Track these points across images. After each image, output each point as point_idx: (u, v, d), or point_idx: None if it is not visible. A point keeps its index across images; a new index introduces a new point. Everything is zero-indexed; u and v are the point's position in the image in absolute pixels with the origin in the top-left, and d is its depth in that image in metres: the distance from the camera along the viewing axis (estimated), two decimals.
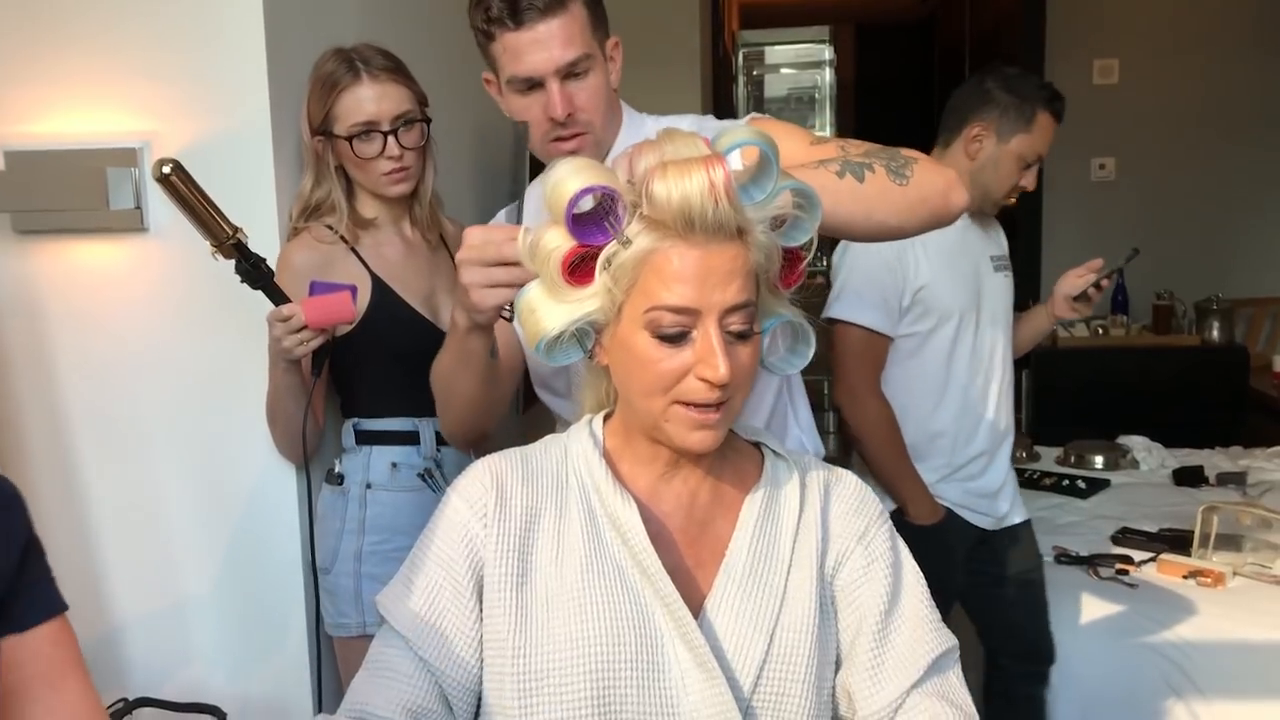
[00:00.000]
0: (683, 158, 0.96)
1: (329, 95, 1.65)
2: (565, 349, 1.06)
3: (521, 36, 1.37)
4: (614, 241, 0.99)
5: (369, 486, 1.71)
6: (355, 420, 1.75)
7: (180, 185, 1.43)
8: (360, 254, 1.73)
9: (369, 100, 1.65)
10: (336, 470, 1.74)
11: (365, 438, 1.74)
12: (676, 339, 0.98)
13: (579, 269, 1.02)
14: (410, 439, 1.74)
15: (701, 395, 0.98)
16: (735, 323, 0.98)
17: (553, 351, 1.06)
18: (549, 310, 1.04)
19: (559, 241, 1.01)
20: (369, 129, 1.65)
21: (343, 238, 1.71)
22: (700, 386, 0.98)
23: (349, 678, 1.73)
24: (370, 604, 1.67)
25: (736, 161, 1.02)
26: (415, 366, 1.64)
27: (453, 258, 1.78)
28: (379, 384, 1.73)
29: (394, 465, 1.72)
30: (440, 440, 1.73)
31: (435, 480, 1.73)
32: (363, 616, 1.72)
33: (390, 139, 1.66)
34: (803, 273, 1.11)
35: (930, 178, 1.28)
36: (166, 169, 1.42)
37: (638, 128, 1.53)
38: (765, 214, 1.01)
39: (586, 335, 1.06)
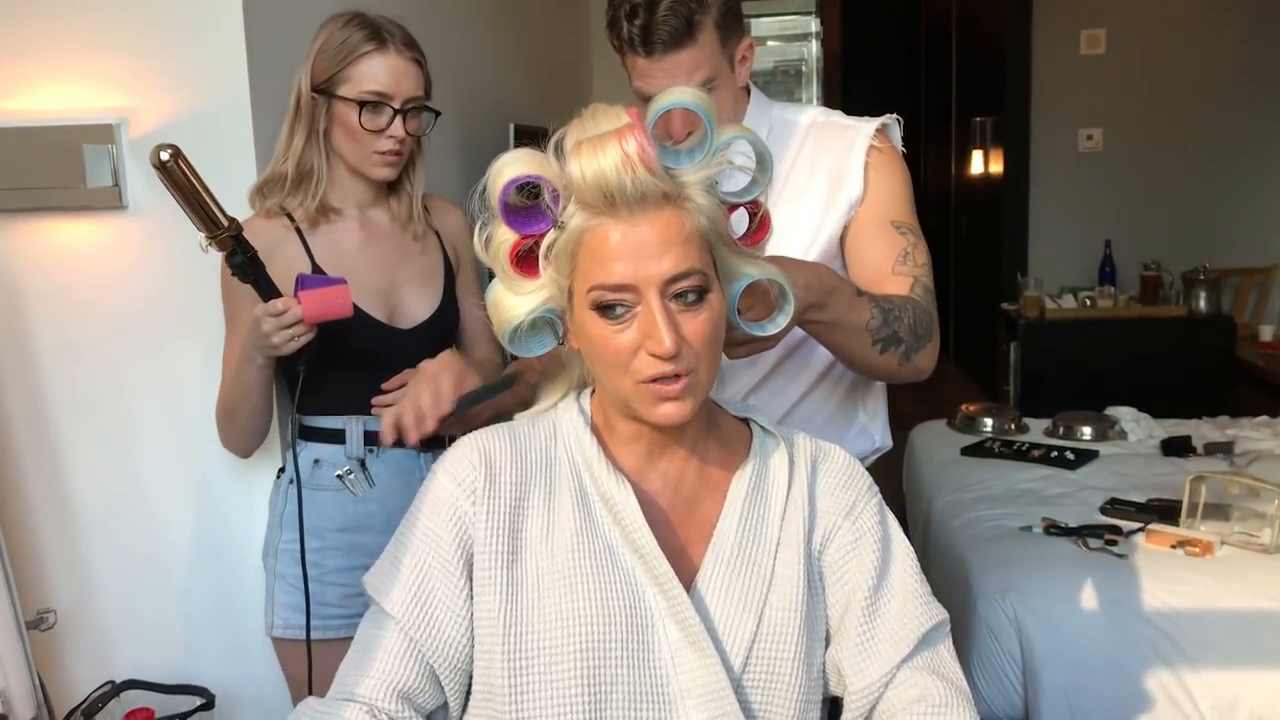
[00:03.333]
0: (598, 133, 0.96)
1: (346, 57, 1.56)
2: (536, 338, 1.08)
3: (650, 64, 1.41)
4: (553, 229, 1.00)
5: (292, 482, 1.62)
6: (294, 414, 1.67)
7: (182, 173, 1.33)
8: (308, 241, 1.62)
9: (388, 74, 1.57)
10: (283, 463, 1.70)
11: (301, 432, 1.65)
12: (620, 316, 0.97)
13: (526, 261, 1.03)
14: (337, 437, 1.63)
15: (654, 370, 0.97)
16: (679, 291, 0.97)
17: (518, 341, 1.07)
18: (509, 303, 1.05)
19: (504, 236, 1.03)
20: (381, 101, 1.57)
21: (290, 215, 1.61)
22: (652, 361, 0.97)
23: (288, 677, 1.65)
24: (280, 604, 1.62)
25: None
26: (351, 365, 1.57)
27: (443, 245, 1.73)
28: (311, 379, 1.61)
29: (315, 462, 1.63)
30: (375, 440, 1.62)
31: (352, 483, 1.63)
32: (272, 616, 1.64)
33: (399, 119, 1.58)
34: (767, 227, 1.10)
35: (922, 360, 1.45)
36: (165, 155, 1.30)
37: (762, 113, 1.57)
38: (705, 174, 1.00)
39: (556, 324, 1.06)
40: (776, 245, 1.44)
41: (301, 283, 1.49)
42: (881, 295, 1.41)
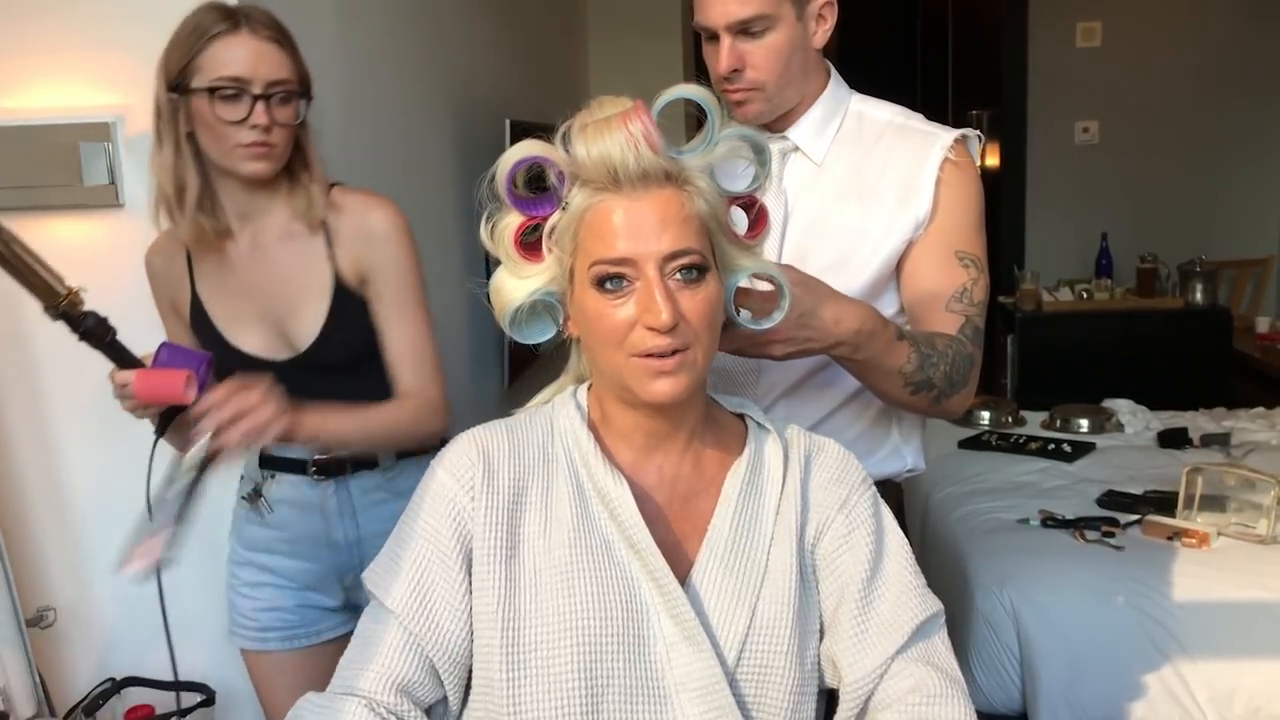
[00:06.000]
0: (604, 116, 0.99)
1: (195, 43, 1.38)
2: (537, 325, 1.09)
3: None
4: (557, 211, 1.02)
5: (236, 494, 1.64)
6: None
7: (7, 247, 1.23)
8: (193, 265, 1.51)
9: (243, 56, 1.38)
10: None
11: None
12: (619, 290, 0.99)
13: (531, 244, 1.05)
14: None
15: (650, 343, 0.98)
16: (678, 268, 0.99)
17: (519, 326, 1.09)
18: (511, 287, 1.07)
19: (510, 219, 1.05)
20: (237, 88, 1.38)
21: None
22: (648, 335, 0.98)
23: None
24: (231, 609, 1.64)
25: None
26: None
27: (333, 255, 1.51)
28: None
29: (241, 477, 1.61)
30: (271, 465, 1.57)
31: (259, 506, 1.58)
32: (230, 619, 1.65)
33: (260, 105, 1.38)
34: (765, 222, 1.12)
35: (954, 404, 1.40)
36: None
37: (839, 101, 1.50)
38: (707, 161, 1.03)
39: (555, 310, 1.08)
40: (838, 245, 1.42)
41: (157, 355, 1.40)
42: (925, 338, 1.36)
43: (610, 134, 0.97)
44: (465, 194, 2.51)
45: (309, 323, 1.50)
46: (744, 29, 1.38)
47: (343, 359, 1.52)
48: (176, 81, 1.40)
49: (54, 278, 1.29)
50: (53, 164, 1.65)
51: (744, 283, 1.12)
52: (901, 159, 1.43)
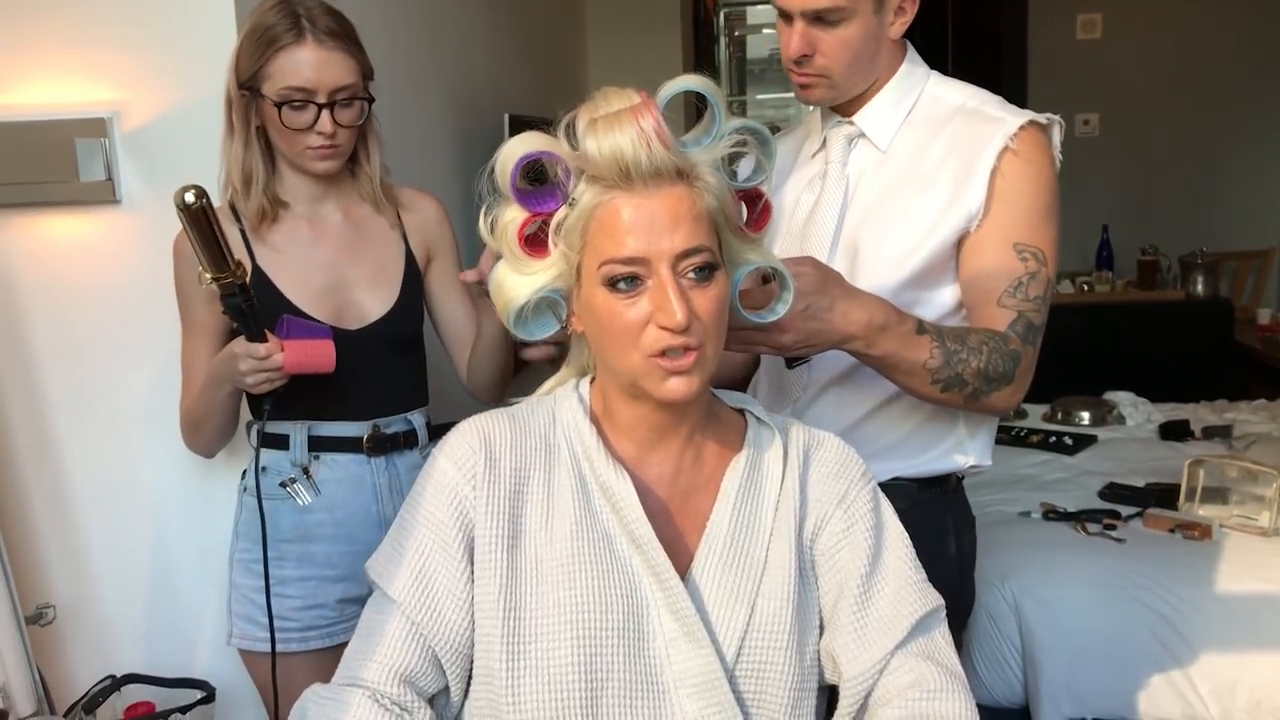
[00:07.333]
0: (613, 110, 0.97)
1: (265, 50, 1.45)
2: (539, 321, 1.08)
3: None
4: (564, 206, 1.00)
5: (245, 490, 1.60)
6: (249, 420, 1.65)
7: (204, 216, 1.26)
8: (251, 241, 1.54)
9: (309, 66, 1.45)
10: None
11: (259, 438, 1.59)
12: (631, 289, 0.98)
13: (536, 240, 1.03)
14: (281, 443, 1.57)
15: (664, 343, 0.97)
16: (690, 267, 0.98)
17: (521, 323, 1.07)
18: (514, 283, 1.05)
19: (513, 215, 1.03)
20: (304, 98, 1.46)
21: (237, 215, 1.54)
22: (662, 335, 0.97)
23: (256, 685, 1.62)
24: (234, 614, 1.61)
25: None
26: None
27: (407, 241, 1.64)
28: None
29: (263, 469, 1.55)
30: (320, 445, 1.58)
31: (296, 491, 1.56)
32: (230, 625, 1.62)
33: (325, 113, 1.47)
34: (768, 215, 1.10)
35: (997, 402, 1.36)
36: (190, 197, 1.23)
37: (913, 83, 1.48)
38: (714, 155, 1.01)
39: (559, 306, 1.07)
40: (889, 234, 1.40)
41: (286, 326, 1.45)
42: (954, 333, 1.31)
43: (621, 129, 0.95)
44: (464, 189, 2.50)
45: (381, 297, 1.60)
46: (819, 17, 1.37)
47: (406, 335, 1.63)
48: (248, 83, 1.48)
49: (229, 250, 1.34)
50: (49, 160, 1.64)
51: (744, 286, 1.11)
52: (962, 147, 1.39)
